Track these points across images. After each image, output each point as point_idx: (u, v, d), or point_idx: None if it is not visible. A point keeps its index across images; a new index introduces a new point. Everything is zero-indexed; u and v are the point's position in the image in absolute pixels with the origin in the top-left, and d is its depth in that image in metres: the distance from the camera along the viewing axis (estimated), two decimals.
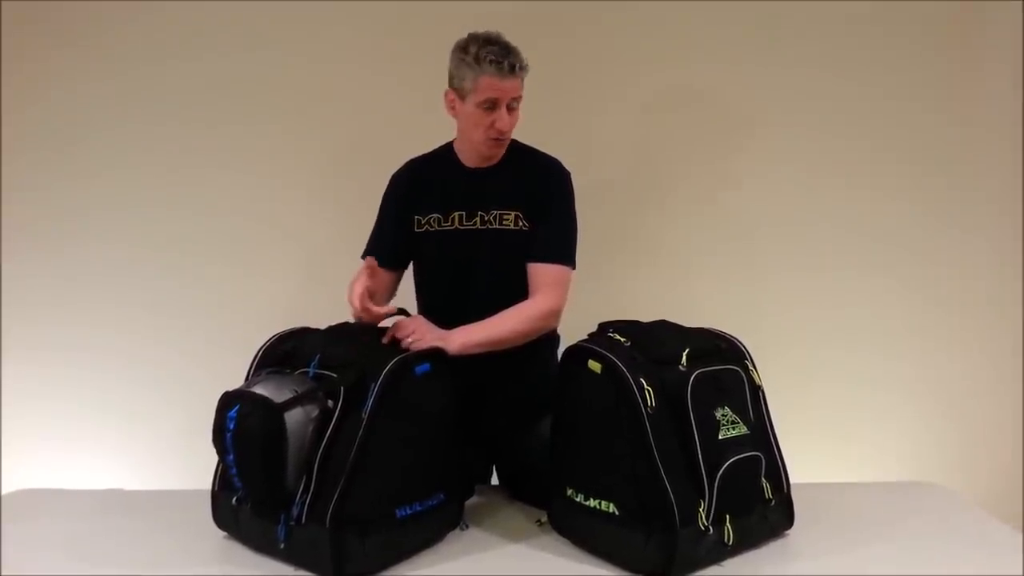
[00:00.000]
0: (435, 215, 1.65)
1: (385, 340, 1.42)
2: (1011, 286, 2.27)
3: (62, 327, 2.23)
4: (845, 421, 2.26)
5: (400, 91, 2.16)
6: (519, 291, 1.61)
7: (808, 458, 2.23)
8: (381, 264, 1.60)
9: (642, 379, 1.25)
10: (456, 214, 1.64)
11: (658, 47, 2.19)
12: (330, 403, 1.31)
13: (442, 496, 1.39)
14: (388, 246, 1.69)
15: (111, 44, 2.19)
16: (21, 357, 2.24)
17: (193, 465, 1.98)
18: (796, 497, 1.49)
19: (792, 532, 1.43)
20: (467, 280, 1.65)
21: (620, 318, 1.50)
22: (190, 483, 1.76)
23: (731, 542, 1.26)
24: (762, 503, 1.34)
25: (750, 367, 1.41)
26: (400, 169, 1.73)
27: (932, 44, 2.19)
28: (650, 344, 1.34)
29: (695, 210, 2.26)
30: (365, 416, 1.28)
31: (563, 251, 1.62)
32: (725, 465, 1.25)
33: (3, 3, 2.15)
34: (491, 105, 1.54)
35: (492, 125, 1.55)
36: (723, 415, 1.29)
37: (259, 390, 1.30)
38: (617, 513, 1.26)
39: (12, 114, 2.19)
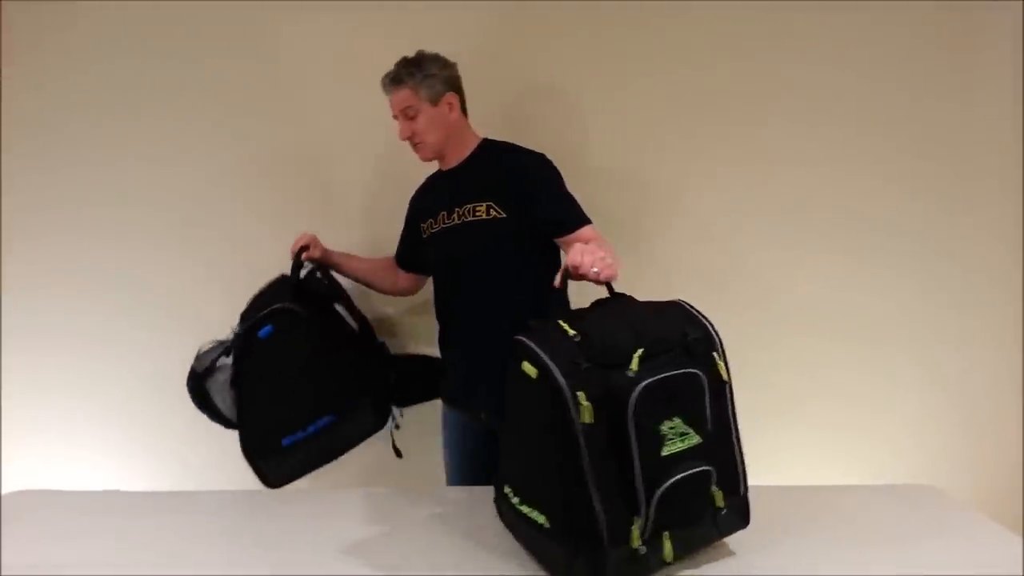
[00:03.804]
0: (430, 219, 1.83)
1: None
2: (1012, 286, 2.16)
3: (62, 328, 2.22)
4: (844, 421, 2.19)
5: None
6: (497, 280, 1.71)
7: (806, 457, 2.19)
8: (402, 267, 2.02)
9: (579, 392, 1.12)
10: (442, 213, 1.79)
11: (660, 44, 2.12)
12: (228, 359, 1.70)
13: (331, 418, 1.69)
14: (404, 251, 2.00)
15: (110, 42, 2.15)
16: (21, 358, 2.24)
17: (192, 467, 2.04)
18: (792, 499, 1.54)
19: (789, 534, 1.39)
20: (454, 274, 1.81)
21: None
22: (189, 484, 1.84)
23: (670, 558, 1.19)
24: (712, 512, 1.24)
25: (717, 360, 1.26)
26: (423, 183, 1.95)
27: (932, 43, 2.11)
28: (600, 341, 1.19)
29: (700, 201, 2.15)
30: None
31: (579, 215, 1.70)
32: (666, 483, 1.14)
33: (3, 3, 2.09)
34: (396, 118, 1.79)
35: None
36: (671, 428, 1.16)
37: (196, 362, 1.74)
38: (547, 525, 1.19)
39: (12, 110, 2.16)
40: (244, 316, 1.75)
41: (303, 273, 1.89)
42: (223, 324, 1.90)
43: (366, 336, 1.98)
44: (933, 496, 1.65)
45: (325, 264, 1.92)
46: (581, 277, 1.32)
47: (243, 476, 1.73)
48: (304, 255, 1.87)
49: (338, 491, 1.70)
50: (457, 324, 1.82)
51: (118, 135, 2.18)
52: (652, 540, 1.18)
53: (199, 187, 2.18)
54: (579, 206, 1.72)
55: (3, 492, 1.73)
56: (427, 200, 1.89)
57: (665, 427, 1.16)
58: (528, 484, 1.23)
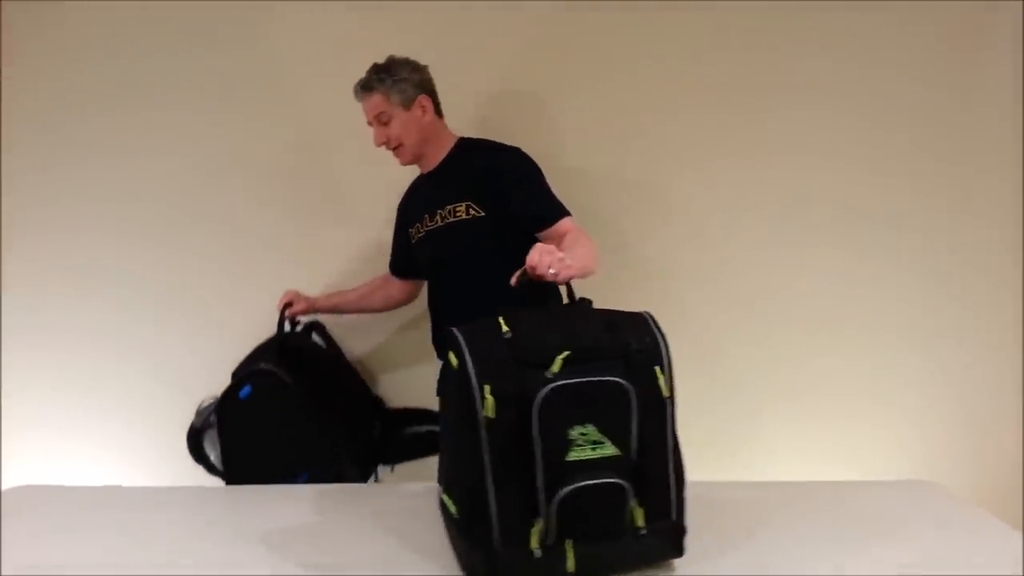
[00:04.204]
0: (417, 223, 1.86)
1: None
2: (1013, 281, 2.14)
3: (63, 323, 2.25)
4: (845, 417, 2.17)
5: None
6: (481, 278, 1.67)
7: (807, 453, 2.16)
8: (397, 275, 2.03)
9: (486, 385, 1.13)
10: (425, 217, 1.83)
11: (659, 39, 2.12)
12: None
13: (305, 476, 1.66)
14: (397, 258, 2.02)
15: (111, 39, 2.18)
16: (22, 353, 2.26)
17: (193, 462, 2.03)
18: (793, 494, 1.58)
19: (789, 530, 1.42)
20: (442, 275, 1.85)
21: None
22: (189, 480, 1.88)
23: (572, 569, 1.15)
24: (631, 532, 1.17)
25: (659, 374, 1.21)
26: (408, 187, 1.98)
27: (933, 39, 2.09)
28: (527, 341, 1.19)
29: (698, 197, 2.15)
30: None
31: (557, 208, 1.72)
32: (567, 489, 1.11)
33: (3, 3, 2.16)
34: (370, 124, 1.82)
35: None
36: (581, 434, 1.13)
37: (195, 417, 1.89)
38: (457, 516, 1.21)
39: (12, 108, 2.21)
40: (234, 374, 1.83)
41: (298, 328, 2.00)
42: (222, 319, 2.05)
43: (357, 393, 2.04)
44: (934, 492, 1.66)
45: (313, 311, 1.99)
46: (540, 277, 1.33)
47: None
48: (288, 312, 1.94)
49: (341, 487, 1.73)
50: (446, 323, 1.82)
51: (118, 131, 2.20)
52: (555, 547, 1.14)
53: (199, 183, 2.20)
54: (556, 198, 1.72)
55: (3, 488, 1.72)
56: (412, 205, 1.92)
57: (575, 432, 1.13)
58: (448, 473, 1.25)
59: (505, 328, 1.21)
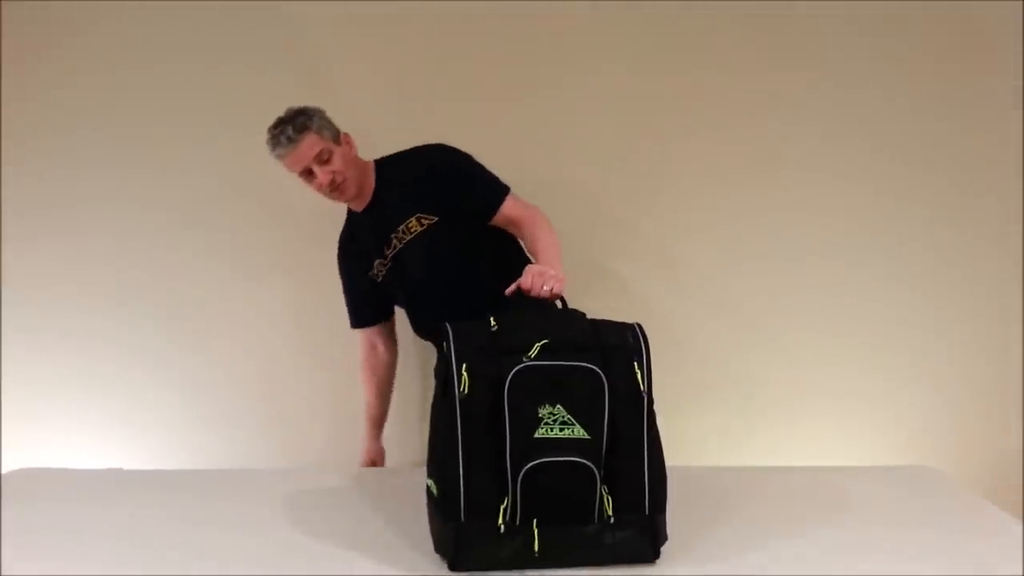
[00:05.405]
0: (377, 260, 1.84)
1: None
2: (1012, 272, 2.22)
3: (63, 307, 2.24)
4: (844, 406, 2.24)
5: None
6: (459, 275, 1.76)
7: (807, 441, 2.25)
8: (368, 324, 1.95)
9: (465, 363, 1.21)
10: (384, 248, 1.81)
11: (657, 49, 2.18)
12: None
13: None
14: (362, 308, 1.95)
15: (114, 41, 2.18)
16: (21, 337, 2.24)
17: (192, 446, 2.15)
18: (791, 479, 1.64)
19: (787, 513, 1.45)
20: (418, 294, 1.85)
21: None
22: (189, 463, 1.96)
23: (538, 549, 1.16)
24: (600, 520, 1.19)
25: (636, 369, 1.25)
26: (339, 239, 1.95)
27: (932, 42, 2.16)
28: (511, 331, 1.27)
29: (704, 202, 2.22)
30: None
31: (498, 192, 1.77)
32: (530, 464, 1.15)
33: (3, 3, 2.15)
34: (303, 175, 1.74)
35: (316, 188, 1.76)
36: (549, 413, 1.18)
37: None
38: (435, 493, 1.25)
39: (13, 105, 2.19)
40: None
41: None
42: (220, 309, 2.13)
43: None
44: (934, 478, 1.68)
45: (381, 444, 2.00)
46: (537, 297, 1.42)
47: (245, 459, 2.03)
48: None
49: (337, 471, 1.79)
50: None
51: (116, 134, 2.19)
52: (522, 527, 1.17)
53: (199, 180, 2.20)
54: (493, 179, 1.77)
55: (3, 471, 1.73)
56: (359, 249, 1.88)
57: (544, 411, 1.19)
58: (430, 454, 1.30)
59: (493, 324, 1.31)
